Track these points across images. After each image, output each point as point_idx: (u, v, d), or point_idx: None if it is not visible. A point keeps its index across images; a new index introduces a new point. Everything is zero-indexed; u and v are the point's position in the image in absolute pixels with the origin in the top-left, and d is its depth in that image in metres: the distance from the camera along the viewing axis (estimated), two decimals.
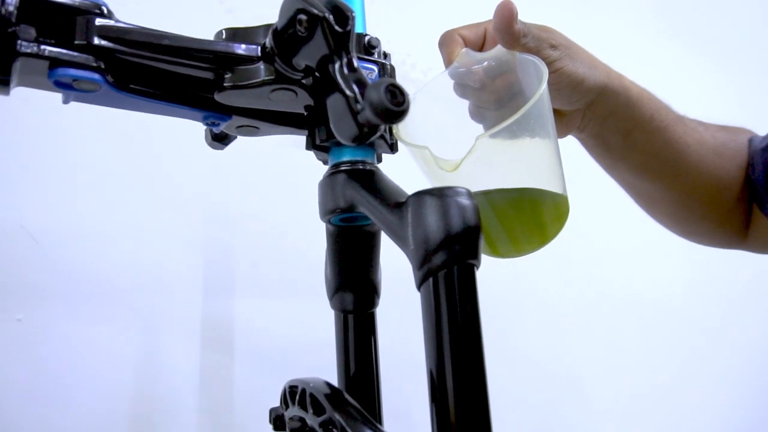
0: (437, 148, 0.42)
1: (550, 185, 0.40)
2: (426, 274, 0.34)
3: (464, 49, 0.45)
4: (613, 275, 1.05)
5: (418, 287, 0.35)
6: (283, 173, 0.74)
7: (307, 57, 0.34)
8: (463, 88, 0.46)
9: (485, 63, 0.45)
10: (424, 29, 0.61)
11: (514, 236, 0.41)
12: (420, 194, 0.35)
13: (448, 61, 0.45)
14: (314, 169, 0.72)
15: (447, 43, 0.46)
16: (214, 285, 0.67)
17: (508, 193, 0.40)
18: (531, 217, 0.40)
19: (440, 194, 0.35)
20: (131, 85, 0.35)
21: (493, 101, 0.46)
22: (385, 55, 0.43)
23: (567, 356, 0.95)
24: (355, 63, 0.33)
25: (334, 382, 0.45)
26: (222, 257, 0.69)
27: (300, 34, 0.33)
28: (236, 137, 0.48)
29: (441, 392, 0.33)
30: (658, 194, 0.59)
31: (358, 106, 0.31)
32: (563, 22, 0.53)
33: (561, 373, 0.94)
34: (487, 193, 0.39)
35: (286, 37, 0.34)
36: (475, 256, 0.34)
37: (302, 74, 0.36)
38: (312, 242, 0.73)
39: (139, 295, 0.63)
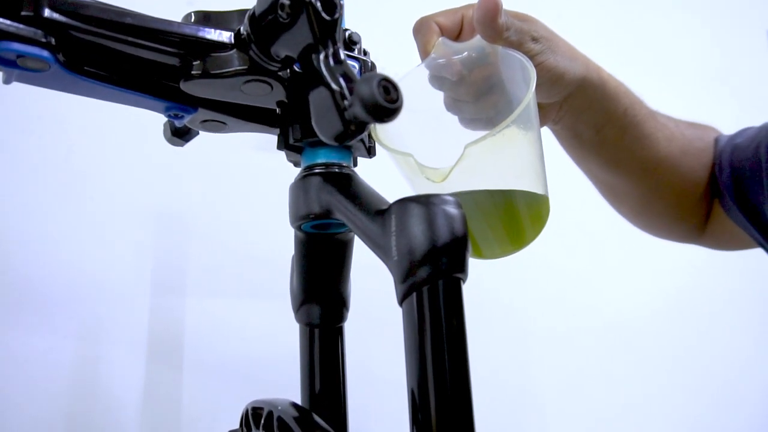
0: (416, 147, 0.40)
1: (535, 186, 0.38)
2: (410, 288, 0.32)
3: (441, 39, 0.43)
4: (579, 294, 1.05)
5: (400, 302, 0.32)
6: (242, 173, 0.70)
7: (287, 46, 0.31)
8: (440, 80, 0.44)
9: (465, 54, 0.43)
10: (392, 34, 0.59)
11: (500, 237, 0.39)
12: (404, 201, 0.33)
13: (423, 51, 0.43)
14: (277, 168, 0.68)
15: (423, 31, 0.43)
16: (162, 292, 0.62)
17: (494, 194, 0.38)
18: (516, 217, 0.39)
19: (426, 202, 0.32)
20: (85, 67, 0.31)
21: (471, 94, 0.44)
22: (365, 53, 0.41)
23: (526, 372, 0.94)
24: (342, 55, 0.30)
25: (296, 400, 0.42)
26: (172, 262, 0.64)
27: (281, 20, 0.30)
28: (198, 133, 0.44)
29: (424, 414, 0.31)
30: (624, 188, 0.59)
31: (345, 102, 0.28)
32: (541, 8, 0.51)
33: (519, 389, 0.93)
34: (472, 194, 0.37)
35: (264, 24, 0.31)
36: (462, 269, 0.32)
37: (279, 65, 0.33)
38: (274, 248, 0.69)
39: (79, 301, 0.57)
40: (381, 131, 0.39)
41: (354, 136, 0.29)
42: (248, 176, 0.70)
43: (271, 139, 0.69)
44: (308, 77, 0.30)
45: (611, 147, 0.53)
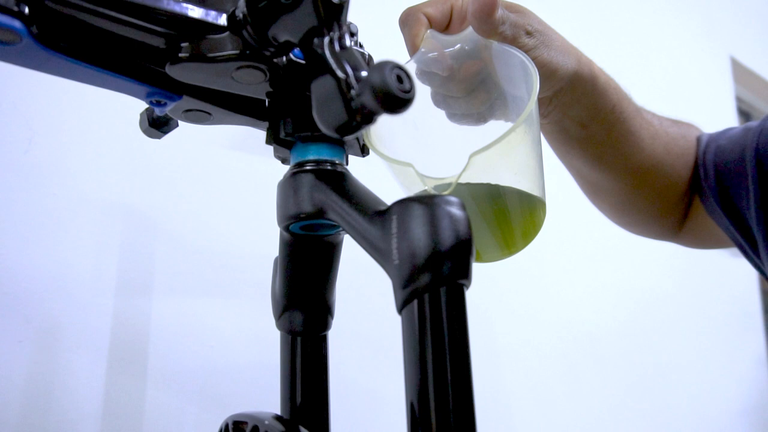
0: (409, 151, 0.38)
1: (533, 189, 0.37)
2: (411, 294, 0.30)
3: (429, 31, 0.41)
4: (547, 303, 1.04)
5: (400, 309, 0.30)
6: (218, 170, 0.66)
7: (288, 29, 0.29)
8: (429, 76, 0.42)
9: (457, 46, 0.41)
10: (374, 27, 0.57)
11: (496, 238, 0.38)
12: (406, 202, 0.31)
13: (412, 45, 0.41)
14: (256, 167, 0.65)
15: (411, 23, 0.41)
16: (127, 293, 0.58)
17: (493, 192, 0.36)
18: (514, 218, 0.38)
19: (430, 203, 0.30)
20: (61, 43, 0.28)
21: (462, 89, 0.42)
22: (360, 45, 0.39)
23: (497, 382, 0.93)
24: (348, 41, 0.28)
25: (276, 412, 0.39)
26: (139, 261, 0.60)
27: (283, 0, 0.28)
28: (177, 125, 0.41)
29: (424, 429, 0.29)
30: (606, 184, 0.59)
31: (352, 92, 0.26)
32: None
33: (488, 399, 0.91)
34: (470, 190, 0.35)
35: (263, 5, 0.29)
36: (466, 275, 0.30)
37: (275, 50, 0.31)
38: (250, 249, 0.66)
39: (35, 303, 0.53)
40: (375, 137, 0.37)
41: (359, 128, 0.27)
42: (225, 174, 0.67)
43: (247, 137, 0.66)
44: (311, 64, 0.28)
45: (597, 143, 0.52)
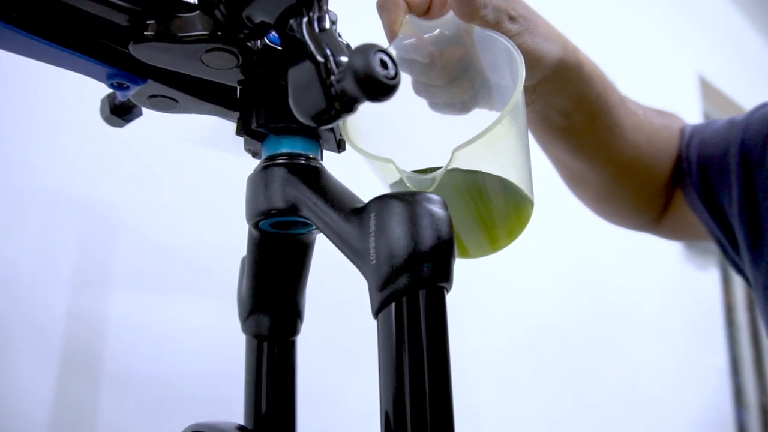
0: (389, 144, 0.36)
1: (520, 182, 0.36)
2: (388, 297, 0.28)
3: (408, 16, 0.39)
4: (517, 308, 1.04)
5: (376, 313, 0.29)
6: (181, 162, 0.64)
7: (264, 9, 0.27)
8: (409, 63, 0.40)
9: (437, 32, 0.39)
10: (349, 12, 0.55)
11: (478, 233, 0.36)
12: (385, 198, 0.29)
13: (390, 31, 0.39)
14: (227, 162, 0.63)
15: (389, 7, 0.39)
16: (82, 290, 0.55)
17: (478, 184, 0.35)
18: (498, 212, 0.36)
19: (410, 200, 0.29)
20: (15, 15, 0.26)
21: (444, 77, 0.40)
22: (340, 35, 0.37)
23: (464, 384, 0.92)
24: (328, 22, 0.26)
25: (239, 421, 0.37)
26: (96, 258, 0.57)
27: None
28: (141, 113, 0.39)
29: None
30: (588, 174, 0.58)
31: (332, 77, 0.24)
32: None
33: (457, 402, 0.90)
34: (457, 188, 0.34)
35: None
36: (447, 277, 0.29)
37: (249, 33, 0.29)
38: (216, 247, 0.64)
39: None
40: (353, 131, 0.35)
41: (338, 116, 0.25)
42: (191, 166, 0.64)
43: (216, 127, 0.64)
44: (287, 47, 0.26)
45: (580, 133, 0.52)
